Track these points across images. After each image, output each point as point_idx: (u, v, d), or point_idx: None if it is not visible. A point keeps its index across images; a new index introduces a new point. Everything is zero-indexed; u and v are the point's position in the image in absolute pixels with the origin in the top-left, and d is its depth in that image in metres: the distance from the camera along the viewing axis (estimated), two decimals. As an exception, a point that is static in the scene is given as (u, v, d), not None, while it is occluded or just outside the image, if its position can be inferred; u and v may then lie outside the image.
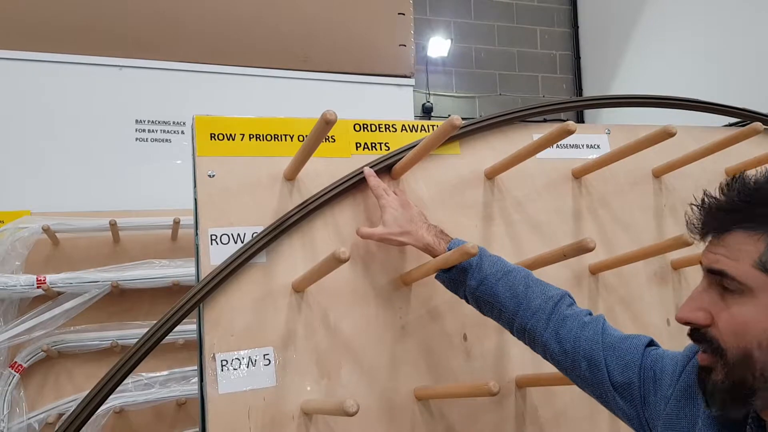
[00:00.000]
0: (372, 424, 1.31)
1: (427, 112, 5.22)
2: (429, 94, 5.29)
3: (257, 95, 2.79)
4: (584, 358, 1.09)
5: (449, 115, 1.20)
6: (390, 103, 2.94)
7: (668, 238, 1.39)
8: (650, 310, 1.55)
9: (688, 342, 1.02)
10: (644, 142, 1.38)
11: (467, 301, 1.27)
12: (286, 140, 1.38)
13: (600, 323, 1.12)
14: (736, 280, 0.80)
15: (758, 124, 1.41)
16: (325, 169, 1.38)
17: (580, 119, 5.60)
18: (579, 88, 5.87)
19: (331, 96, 2.82)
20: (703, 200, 0.87)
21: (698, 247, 1.53)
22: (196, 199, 1.31)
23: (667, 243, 1.33)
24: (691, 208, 0.88)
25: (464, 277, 1.24)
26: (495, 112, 1.57)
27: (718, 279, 0.82)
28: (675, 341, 1.51)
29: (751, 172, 0.86)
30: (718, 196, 0.85)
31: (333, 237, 1.36)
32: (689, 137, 1.63)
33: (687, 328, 1.60)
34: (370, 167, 1.37)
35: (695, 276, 1.57)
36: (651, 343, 1.08)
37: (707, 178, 1.65)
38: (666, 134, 1.30)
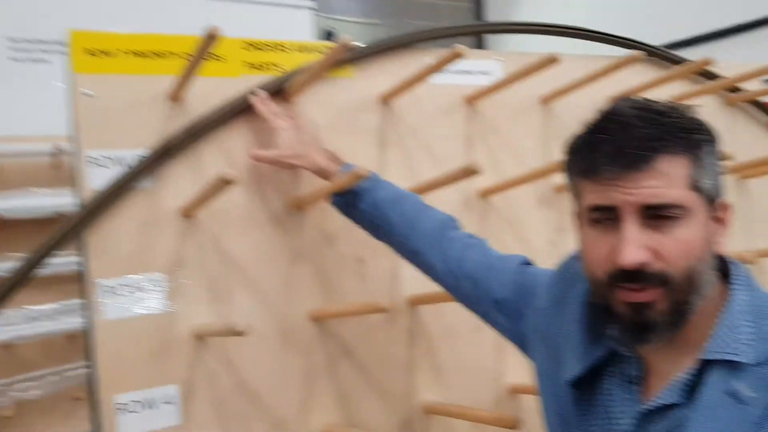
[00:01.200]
0: (266, 346, 1.32)
1: (329, 37, 5.10)
2: (331, 18, 5.16)
3: (144, 15, 2.63)
4: (467, 277, 1.14)
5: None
6: (287, 26, 2.85)
7: (554, 162, 1.45)
8: (535, 232, 1.62)
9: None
10: (532, 68, 1.41)
11: (359, 225, 1.29)
12: (170, 58, 1.31)
13: (482, 245, 1.18)
14: (678, 206, 0.80)
15: (639, 53, 1.47)
16: (213, 90, 1.33)
17: (479, 45, 5.65)
18: (480, 17, 5.90)
19: (222, 17, 2.69)
20: (601, 137, 0.83)
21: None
22: (72, 120, 1.24)
23: (551, 167, 1.39)
24: (580, 147, 0.87)
25: (357, 201, 1.25)
26: (390, 36, 1.55)
27: (653, 212, 0.80)
28: (558, 261, 1.60)
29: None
30: (630, 131, 0.81)
31: (223, 161, 1.33)
32: (577, 65, 1.67)
33: (568, 247, 1.69)
34: (262, 89, 1.34)
35: (577, 199, 1.65)
36: (526, 262, 1.14)
37: (592, 105, 1.71)
38: (551, 61, 1.34)
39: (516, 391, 1.53)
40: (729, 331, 0.82)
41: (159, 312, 1.24)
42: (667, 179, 0.80)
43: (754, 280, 0.88)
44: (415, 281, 1.46)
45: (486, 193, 1.57)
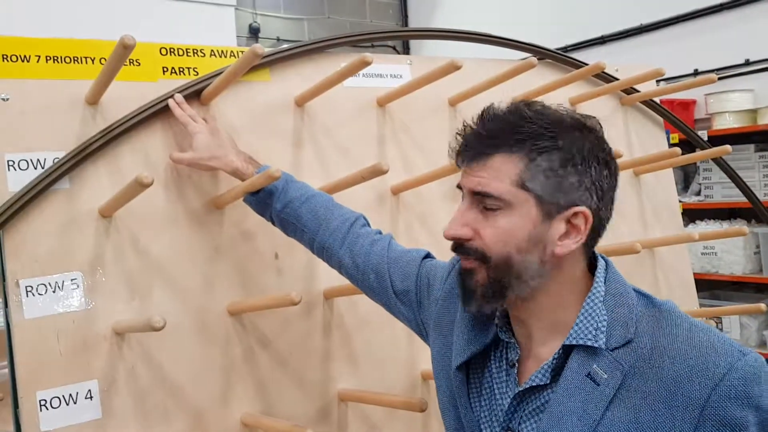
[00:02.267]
0: (186, 340, 1.38)
1: (254, 33, 5.10)
2: (256, 14, 5.17)
3: (67, 14, 2.60)
4: (372, 271, 1.23)
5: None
6: (209, 24, 2.87)
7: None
8: (443, 225, 1.72)
9: None
10: (437, 73, 1.51)
11: (273, 223, 1.36)
12: (87, 63, 1.35)
13: (387, 241, 1.26)
14: (500, 199, 0.91)
15: (533, 59, 1.59)
16: (130, 94, 1.38)
17: (405, 47, 5.77)
18: (405, 14, 6.02)
19: (145, 15, 2.69)
20: (464, 129, 0.97)
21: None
22: (-12, 124, 1.26)
23: (453, 165, 1.49)
24: (455, 138, 0.98)
25: (271, 200, 1.32)
26: (304, 41, 1.62)
27: (480, 199, 0.93)
28: (465, 252, 1.71)
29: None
30: (476, 127, 0.95)
31: (142, 163, 1.38)
32: (482, 69, 1.79)
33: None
34: (178, 92, 1.39)
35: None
36: (428, 256, 1.24)
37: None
38: (453, 67, 1.44)
39: (427, 377, 1.63)
40: (588, 319, 0.93)
41: (78, 310, 1.28)
42: (494, 173, 0.92)
43: (614, 272, 0.99)
44: (330, 275, 1.54)
45: (398, 190, 1.66)
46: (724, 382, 0.86)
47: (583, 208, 0.92)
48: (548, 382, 0.94)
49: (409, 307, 1.21)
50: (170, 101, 1.37)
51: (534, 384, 0.95)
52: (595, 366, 0.91)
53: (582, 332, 0.93)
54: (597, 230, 0.96)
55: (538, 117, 0.93)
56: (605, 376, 0.90)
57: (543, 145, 0.91)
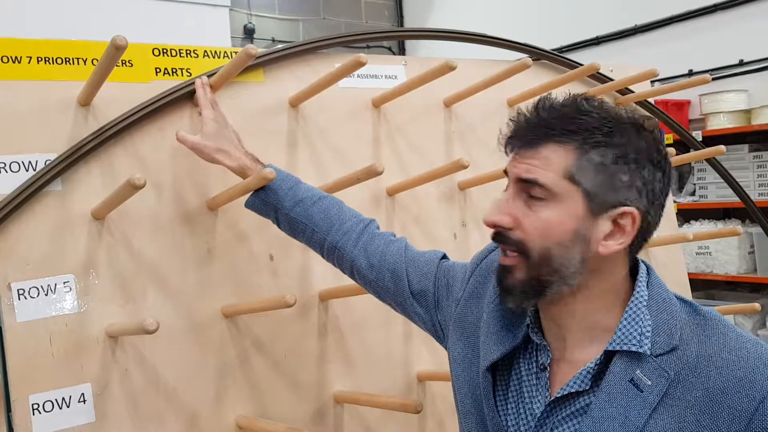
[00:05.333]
0: (180, 343, 1.37)
1: (249, 33, 5.09)
2: (251, 15, 5.16)
3: (59, 14, 2.59)
4: (388, 270, 1.21)
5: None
6: (205, 25, 2.86)
7: (456, 161, 1.55)
8: (439, 226, 1.72)
9: (472, 254, 1.18)
10: (431, 74, 1.51)
11: (277, 224, 1.34)
12: (78, 64, 1.34)
13: (403, 242, 1.26)
14: (546, 188, 0.89)
15: (528, 60, 1.59)
16: (123, 95, 1.37)
17: (401, 48, 5.77)
18: (400, 15, 6.01)
19: (138, 16, 2.68)
20: (518, 116, 0.94)
21: (478, 169, 1.71)
22: (-21, 126, 1.25)
23: (449, 166, 1.49)
24: (507, 124, 0.96)
25: (278, 199, 1.30)
26: (298, 41, 1.62)
27: (526, 187, 0.91)
28: (461, 253, 1.71)
29: (557, 94, 0.95)
30: (530, 115, 0.93)
31: (134, 164, 1.37)
32: (477, 70, 1.78)
33: (471, 240, 1.80)
34: (171, 93, 1.38)
35: (478, 195, 1.77)
36: (444, 257, 1.23)
37: (491, 107, 1.83)
38: (447, 68, 1.44)
39: (423, 378, 1.63)
40: (632, 324, 0.91)
41: (71, 313, 1.27)
42: (544, 162, 0.90)
43: (656, 277, 0.97)
44: (325, 276, 1.54)
45: (393, 191, 1.66)
46: None
47: (631, 209, 0.90)
48: (587, 388, 0.92)
49: (426, 308, 1.19)
50: (197, 81, 1.36)
51: (573, 390, 0.92)
52: (638, 372, 0.89)
53: (626, 337, 0.90)
54: (644, 234, 0.93)
55: (594, 111, 0.91)
56: (649, 382, 0.88)
57: (597, 139, 0.89)
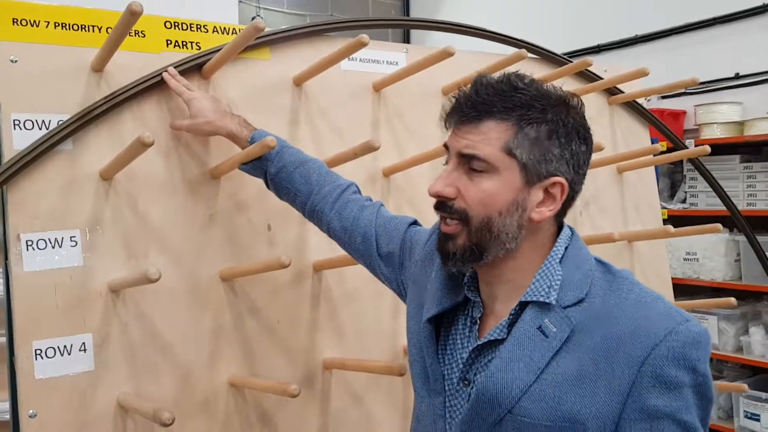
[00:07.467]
0: (178, 302, 1.43)
1: (255, 26, 5.15)
2: (259, 7, 5.22)
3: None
4: (360, 234, 1.30)
5: None
6: (212, 13, 2.93)
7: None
8: (432, 207, 1.78)
9: None
10: (431, 59, 1.57)
11: (267, 186, 1.42)
12: (93, 31, 1.40)
13: (376, 207, 1.33)
14: (487, 161, 0.97)
15: (524, 51, 1.66)
16: (134, 63, 1.43)
17: (406, 40, 5.83)
18: (407, 13, 6.08)
19: (146, 8, 2.73)
20: (458, 93, 1.02)
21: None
22: (-3, 84, 1.31)
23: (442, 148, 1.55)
24: (449, 100, 1.03)
25: (265, 165, 1.38)
26: (305, 24, 1.68)
27: (467, 160, 0.99)
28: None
29: (496, 75, 1.01)
30: (469, 92, 1.00)
31: (142, 129, 1.42)
32: (475, 61, 1.85)
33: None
34: (180, 65, 1.44)
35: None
36: (415, 223, 1.31)
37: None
38: (446, 54, 1.51)
39: (409, 351, 1.69)
40: (544, 278, 1.00)
41: (76, 266, 1.33)
42: (484, 137, 0.98)
43: (577, 239, 1.05)
44: (320, 248, 1.60)
45: (389, 172, 1.72)
46: (663, 343, 0.92)
47: (561, 179, 0.99)
48: (505, 336, 1.00)
49: (392, 268, 1.28)
50: (164, 74, 1.42)
51: (492, 338, 1.02)
52: (546, 320, 0.97)
53: (537, 290, 0.99)
54: (569, 201, 1.03)
55: (528, 88, 0.98)
56: (554, 329, 0.97)
57: (532, 116, 0.97)
